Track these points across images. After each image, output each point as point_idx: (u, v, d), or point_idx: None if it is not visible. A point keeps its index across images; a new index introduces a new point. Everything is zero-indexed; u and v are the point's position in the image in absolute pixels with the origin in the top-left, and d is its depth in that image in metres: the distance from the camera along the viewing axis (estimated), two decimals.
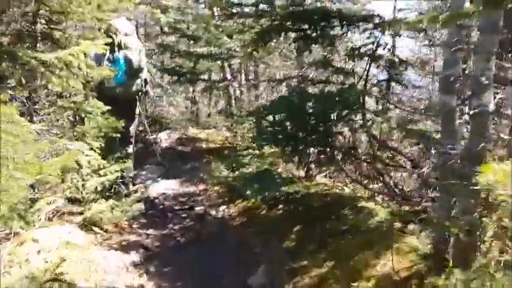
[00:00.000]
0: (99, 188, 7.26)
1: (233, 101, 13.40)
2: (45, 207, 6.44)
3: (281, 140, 5.92)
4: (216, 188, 10.10)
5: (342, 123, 5.84)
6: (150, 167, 11.84)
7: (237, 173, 9.12)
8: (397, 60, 6.39)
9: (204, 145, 13.51)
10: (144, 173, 11.47)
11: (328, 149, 5.59)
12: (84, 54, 6.18)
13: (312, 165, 7.19)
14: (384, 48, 6.57)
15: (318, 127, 5.64)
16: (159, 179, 11.02)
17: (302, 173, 9.53)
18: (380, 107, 6.02)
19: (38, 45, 7.58)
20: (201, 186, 10.47)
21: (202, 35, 10.94)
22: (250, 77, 13.68)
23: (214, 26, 10.47)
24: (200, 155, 12.71)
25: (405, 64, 6.38)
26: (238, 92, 13.07)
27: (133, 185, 10.86)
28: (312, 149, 5.91)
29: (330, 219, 6.92)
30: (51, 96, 7.89)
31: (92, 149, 7.19)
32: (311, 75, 8.23)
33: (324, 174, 9.07)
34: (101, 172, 7.45)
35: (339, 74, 6.35)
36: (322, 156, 5.96)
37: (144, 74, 8.82)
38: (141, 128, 14.23)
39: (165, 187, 10.49)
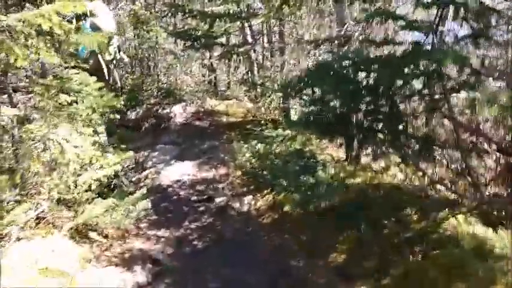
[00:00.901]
0: (94, 186, 5.77)
1: (255, 68, 11.68)
2: (21, 216, 4.99)
3: (324, 124, 4.30)
4: (239, 172, 8.55)
5: (413, 100, 4.17)
6: (163, 147, 10.35)
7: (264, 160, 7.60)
8: (483, 8, 4.62)
9: (224, 119, 11.92)
10: (156, 154, 10.00)
11: (394, 137, 3.97)
12: (60, 15, 4.69)
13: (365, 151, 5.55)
14: None
15: (378, 106, 4.00)
16: (173, 162, 9.53)
17: (342, 153, 7.92)
18: (464, 77, 4.25)
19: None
20: (222, 170, 8.94)
21: None
22: (274, 39, 11.87)
23: None
24: (220, 131, 11.16)
25: (497, 15, 4.58)
26: (260, 57, 11.32)
27: (144, 170, 9.44)
28: (368, 137, 4.29)
29: (388, 220, 5.34)
30: (32, 73, 6.36)
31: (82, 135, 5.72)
32: (357, 34, 6.50)
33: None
34: (97, 165, 5.94)
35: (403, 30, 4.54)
36: (384, 146, 4.34)
37: (115, 41, 7.51)
38: (153, 101, 12.75)
39: (180, 172, 9.00)
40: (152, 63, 12.36)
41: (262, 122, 11.08)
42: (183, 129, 11.60)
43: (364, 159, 6.99)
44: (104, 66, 7.24)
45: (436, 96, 4.00)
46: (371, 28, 6.28)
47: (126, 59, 9.92)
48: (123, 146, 7.33)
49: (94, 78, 6.36)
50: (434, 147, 3.93)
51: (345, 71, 4.26)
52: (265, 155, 7.46)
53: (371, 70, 3.95)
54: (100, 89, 6.27)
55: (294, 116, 11.10)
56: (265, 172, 7.19)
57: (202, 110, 12.26)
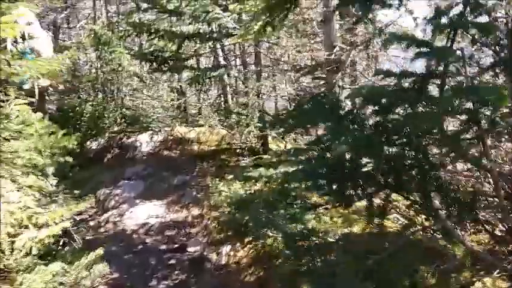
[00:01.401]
0: (35, 249, 4.61)
1: (229, 93, 10.71)
2: None
3: (328, 177, 3.34)
4: (215, 213, 7.49)
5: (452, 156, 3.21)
6: (127, 183, 9.20)
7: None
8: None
9: (195, 148, 10.85)
10: (119, 191, 8.84)
11: (424, 197, 3.04)
12: None
13: None
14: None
15: (402, 158, 3.06)
16: (138, 201, 8.39)
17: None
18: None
19: None
20: (195, 211, 7.87)
21: (186, 7, 8.20)
22: (248, 61, 10.96)
23: None
24: (191, 161, 10.07)
25: None
26: (234, 81, 10.36)
27: (105, 211, 8.27)
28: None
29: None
30: None
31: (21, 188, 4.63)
32: (350, 59, 5.63)
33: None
34: (40, 222, 4.81)
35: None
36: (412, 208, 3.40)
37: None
38: (116, 128, 11.58)
39: (147, 213, 7.89)
40: (115, 87, 11.23)
41: (239, 151, 10.10)
42: (151, 160, 10.47)
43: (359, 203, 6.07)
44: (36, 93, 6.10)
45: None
46: (364, 52, 5.46)
47: (61, 86, 8.86)
48: (76, 192, 6.15)
49: (39, 114, 5.32)
50: (477, 210, 3.03)
51: (355, 111, 3.33)
52: (246, 199, 6.43)
53: (392, 111, 3.05)
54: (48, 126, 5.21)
55: (271, 145, 10.17)
56: (246, 218, 6.15)
57: (171, 138, 11.15)
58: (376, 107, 3.33)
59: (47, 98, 8.04)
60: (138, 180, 9.34)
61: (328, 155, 3.32)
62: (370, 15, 6.69)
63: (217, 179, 8.28)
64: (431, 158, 3.08)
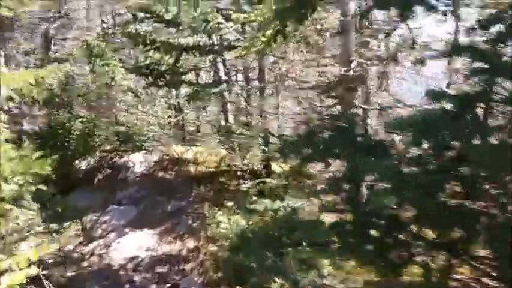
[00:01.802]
0: None
1: (229, 110, 9.94)
2: None
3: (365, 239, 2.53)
4: (213, 247, 6.65)
5: None
6: (116, 208, 8.37)
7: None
8: None
9: (192, 169, 10.01)
10: (107, 218, 8.01)
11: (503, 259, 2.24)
12: None
13: None
14: None
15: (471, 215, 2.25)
16: (128, 230, 7.56)
17: None
18: None
19: None
20: (190, 243, 7.04)
21: (185, 17, 7.47)
22: (251, 76, 10.22)
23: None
24: (188, 185, 9.24)
25: None
26: (236, 97, 9.57)
27: (90, 241, 7.42)
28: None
29: None
30: None
31: None
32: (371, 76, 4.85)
33: None
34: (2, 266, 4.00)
35: None
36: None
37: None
38: (108, 147, 10.76)
39: (137, 244, 7.06)
40: (108, 103, 10.44)
41: (239, 173, 9.29)
42: (144, 182, 9.64)
43: None
44: None
45: None
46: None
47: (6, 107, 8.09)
48: (53, 226, 5.33)
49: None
50: None
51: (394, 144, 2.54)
52: (248, 234, 5.59)
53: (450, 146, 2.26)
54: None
55: (276, 167, 9.33)
56: (248, 257, 5.30)
57: (167, 158, 10.33)
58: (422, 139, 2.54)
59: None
60: (130, 205, 8.51)
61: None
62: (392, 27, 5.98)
63: (215, 208, 7.44)
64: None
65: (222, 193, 8.69)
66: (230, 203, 7.88)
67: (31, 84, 5.32)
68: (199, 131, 11.19)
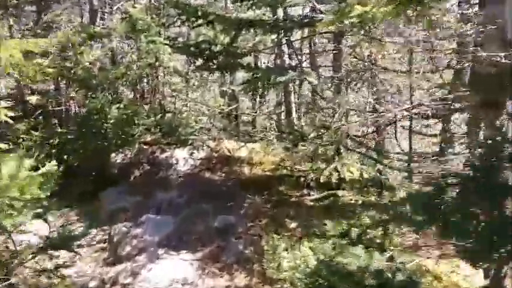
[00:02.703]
0: None
1: (292, 102, 8.15)
2: None
3: None
4: None
5: None
6: (152, 218, 6.82)
7: None
8: None
9: (245, 171, 8.37)
10: (139, 231, 6.48)
11: None
12: None
13: None
14: None
15: None
16: (162, 252, 5.99)
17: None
18: None
19: None
20: (240, 278, 5.38)
21: None
22: (322, 63, 8.34)
23: None
24: (239, 192, 7.62)
25: None
26: (304, 88, 7.75)
27: (115, 262, 5.92)
28: None
29: None
30: None
31: None
32: None
33: None
34: None
35: None
36: None
37: None
38: (149, 138, 9.24)
39: (171, 274, 5.47)
40: (151, 87, 8.90)
41: (302, 180, 7.51)
42: (187, 184, 8.09)
43: None
44: None
45: None
46: None
47: None
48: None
49: None
50: None
51: None
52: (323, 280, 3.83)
53: None
54: None
55: (353, 173, 7.43)
56: None
57: (216, 155, 8.72)
58: None
59: None
60: (168, 214, 6.98)
61: None
62: None
63: (274, 230, 5.75)
64: None
65: (282, 205, 6.99)
66: (293, 224, 6.19)
67: None
68: (255, 125, 9.45)
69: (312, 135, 5.76)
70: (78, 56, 9.33)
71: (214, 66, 7.31)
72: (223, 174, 8.33)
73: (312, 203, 6.97)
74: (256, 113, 9.39)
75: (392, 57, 7.47)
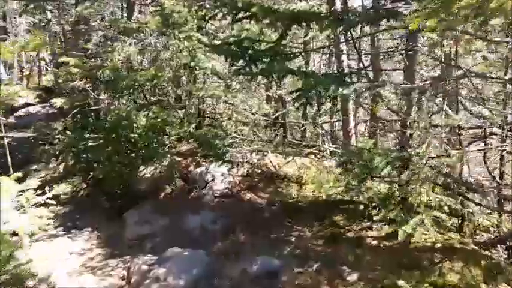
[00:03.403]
0: None
1: (351, 115, 6.74)
2: None
3: None
4: None
5: None
6: (179, 253, 5.63)
7: None
8: None
9: (294, 192, 7.10)
10: (162, 272, 5.29)
11: None
12: None
13: None
14: None
15: None
16: None
17: None
18: None
19: None
20: None
21: None
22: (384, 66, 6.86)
23: None
24: (286, 221, 6.35)
25: None
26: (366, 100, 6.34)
27: None
28: None
29: None
30: None
31: None
32: None
33: None
34: None
35: None
36: None
37: None
38: (184, 147, 8.07)
39: None
40: (185, 91, 7.71)
41: (362, 207, 6.12)
42: (224, 206, 6.93)
43: None
44: None
45: None
46: None
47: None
48: None
49: None
50: None
51: None
52: None
53: None
54: None
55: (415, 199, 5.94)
56: None
57: (259, 171, 7.46)
58: None
59: None
60: (197, 247, 5.77)
61: None
62: None
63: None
64: None
65: (338, 244, 5.63)
66: (353, 275, 4.84)
67: None
68: (305, 135, 8.10)
69: (384, 169, 4.28)
70: (109, 54, 8.34)
71: (257, 70, 5.98)
72: (267, 196, 7.07)
73: (375, 242, 5.58)
74: (306, 121, 8.01)
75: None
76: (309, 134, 8.19)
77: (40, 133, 10.19)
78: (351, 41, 6.29)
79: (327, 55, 8.44)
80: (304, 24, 5.47)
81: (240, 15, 5.81)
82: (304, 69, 6.82)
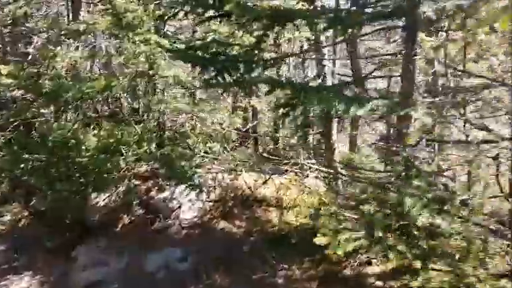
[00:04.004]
0: None
1: (334, 128, 5.86)
2: None
3: None
4: None
5: None
6: None
7: None
8: None
9: (274, 217, 6.14)
10: None
11: None
12: None
13: None
14: None
15: None
16: None
17: None
18: None
19: None
20: None
21: None
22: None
23: None
24: (268, 253, 5.38)
25: None
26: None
27: None
28: None
29: None
30: None
31: None
32: None
33: None
34: None
35: None
36: None
37: None
38: (143, 168, 6.96)
39: None
40: (143, 103, 6.60)
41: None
42: (194, 239, 5.93)
43: None
44: None
45: None
46: None
47: None
48: None
49: None
50: None
51: None
52: None
53: None
54: None
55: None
56: None
57: (232, 195, 6.45)
58: None
59: None
60: None
61: None
62: None
63: None
64: None
65: (333, 286, 4.71)
66: None
67: None
68: (282, 148, 7.18)
69: (420, 215, 3.32)
70: (50, 60, 7.11)
71: (228, 81, 4.92)
72: (244, 224, 6.09)
73: (380, 283, 4.69)
74: (282, 133, 7.09)
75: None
76: (281, 147, 7.24)
77: None
78: (338, 44, 5.42)
79: (300, 60, 7.54)
80: (289, 24, 4.54)
81: (210, 13, 4.81)
82: (294, 80, 5.84)
